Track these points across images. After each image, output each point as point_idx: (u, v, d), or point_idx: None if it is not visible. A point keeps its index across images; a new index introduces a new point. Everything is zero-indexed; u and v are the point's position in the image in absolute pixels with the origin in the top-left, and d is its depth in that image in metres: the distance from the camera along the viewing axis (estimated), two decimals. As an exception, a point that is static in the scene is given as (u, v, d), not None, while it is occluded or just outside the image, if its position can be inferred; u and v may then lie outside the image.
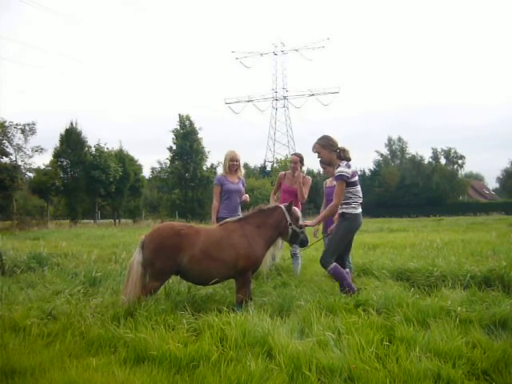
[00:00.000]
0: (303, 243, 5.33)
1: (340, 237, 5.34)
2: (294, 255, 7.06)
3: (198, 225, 6.27)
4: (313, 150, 5.57)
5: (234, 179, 6.67)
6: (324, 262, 5.26)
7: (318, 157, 5.60)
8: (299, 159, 7.23)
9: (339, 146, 5.41)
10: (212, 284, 5.13)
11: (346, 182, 5.23)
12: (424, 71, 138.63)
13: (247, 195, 6.87)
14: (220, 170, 7.00)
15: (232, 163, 6.60)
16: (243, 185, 6.84)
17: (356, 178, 5.37)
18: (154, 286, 4.82)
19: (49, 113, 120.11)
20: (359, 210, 5.38)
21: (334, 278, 5.33)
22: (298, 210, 5.33)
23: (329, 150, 5.43)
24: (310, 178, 7.25)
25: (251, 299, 4.98)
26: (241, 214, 5.25)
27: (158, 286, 4.87)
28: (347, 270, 5.77)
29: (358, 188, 5.39)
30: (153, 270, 4.82)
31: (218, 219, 6.50)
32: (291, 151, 58.21)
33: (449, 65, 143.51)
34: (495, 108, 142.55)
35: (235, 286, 5.06)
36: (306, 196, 6.97)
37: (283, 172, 7.48)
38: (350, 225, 5.35)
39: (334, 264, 5.20)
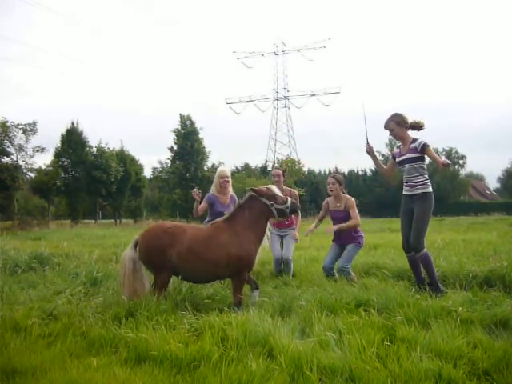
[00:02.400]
0: (293, 211, 5.37)
1: (429, 217, 5.38)
2: (285, 262, 7.03)
3: (199, 225, 6.27)
4: (385, 127, 5.65)
5: (225, 199, 6.61)
6: (418, 245, 5.26)
7: (391, 134, 5.67)
8: (282, 172, 7.16)
9: (410, 121, 5.53)
10: (206, 282, 5.21)
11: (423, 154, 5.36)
12: (425, 71, 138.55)
13: None
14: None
15: (223, 180, 6.56)
16: (235, 203, 6.67)
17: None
18: (161, 282, 4.96)
19: (49, 113, 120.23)
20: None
21: (423, 264, 5.34)
22: (271, 187, 5.32)
23: (403, 127, 5.52)
24: (296, 191, 7.18)
25: (257, 288, 5.13)
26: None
27: (164, 280, 4.98)
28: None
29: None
30: (151, 266, 5.08)
31: None
32: (292, 151, 58.22)
33: (449, 64, 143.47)
34: (495, 108, 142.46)
35: (232, 287, 5.07)
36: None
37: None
38: (431, 204, 5.43)
39: (426, 250, 5.26)
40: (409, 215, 5.50)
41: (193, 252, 4.88)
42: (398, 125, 5.53)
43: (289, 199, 5.29)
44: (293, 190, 7.28)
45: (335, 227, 6.30)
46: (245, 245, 4.97)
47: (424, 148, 5.31)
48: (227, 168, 6.81)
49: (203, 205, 6.59)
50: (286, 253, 6.96)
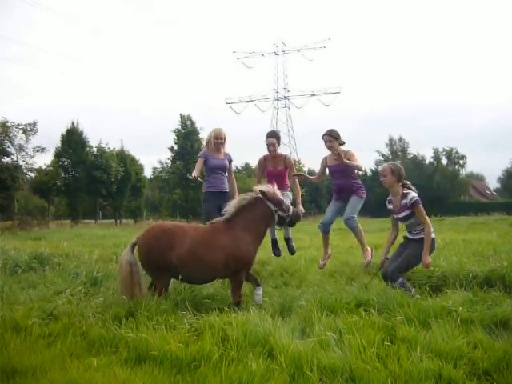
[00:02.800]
0: (292, 223, 5.34)
1: (417, 260, 5.35)
2: (286, 240, 6.99)
3: (199, 225, 6.25)
4: (381, 171, 5.64)
5: (219, 155, 6.60)
6: (393, 277, 5.24)
7: (382, 179, 5.59)
8: (276, 141, 7.00)
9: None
10: (205, 283, 5.21)
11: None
12: (425, 71, 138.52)
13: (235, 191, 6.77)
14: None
15: (217, 141, 6.52)
16: (230, 160, 6.75)
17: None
18: (161, 285, 4.91)
19: (49, 113, 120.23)
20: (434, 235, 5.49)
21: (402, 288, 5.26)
22: (277, 193, 5.23)
23: (397, 178, 5.49)
24: (291, 161, 7.13)
25: (258, 285, 5.10)
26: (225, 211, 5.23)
27: (164, 284, 4.95)
28: None
29: None
30: (151, 270, 5.04)
31: (206, 195, 6.54)
32: (292, 151, 58.23)
33: (449, 64, 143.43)
34: (495, 108, 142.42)
35: (230, 287, 5.08)
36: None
37: (262, 156, 7.18)
38: (432, 248, 5.45)
39: (402, 279, 5.25)
40: (401, 250, 5.55)
41: (194, 253, 4.85)
42: (393, 174, 5.49)
43: (291, 208, 5.26)
44: (287, 157, 7.15)
45: (347, 162, 6.07)
46: (243, 246, 4.95)
47: (414, 205, 5.31)
48: (224, 130, 6.70)
49: (199, 162, 6.57)
50: (286, 232, 6.92)
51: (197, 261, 4.85)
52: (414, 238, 5.46)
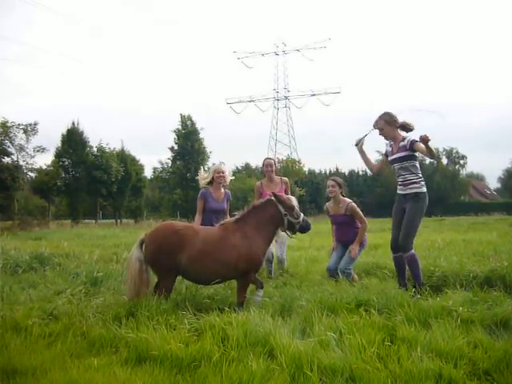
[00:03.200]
0: (303, 230, 5.29)
1: (420, 218, 5.36)
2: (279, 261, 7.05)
3: (207, 226, 6.22)
4: (374, 126, 5.59)
5: (219, 195, 6.54)
6: (405, 245, 5.23)
7: (381, 133, 5.59)
8: (273, 162, 7.20)
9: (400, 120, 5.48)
10: (213, 284, 5.12)
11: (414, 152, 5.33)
12: (425, 71, 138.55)
13: None
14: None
15: (218, 175, 6.49)
16: (228, 200, 6.69)
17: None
18: (164, 285, 4.86)
19: (49, 113, 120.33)
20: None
21: (409, 265, 5.30)
22: (292, 199, 5.27)
23: (393, 126, 5.48)
24: (287, 179, 7.24)
25: (262, 287, 5.06)
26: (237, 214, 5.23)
27: (168, 284, 4.90)
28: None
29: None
30: (157, 269, 4.95)
31: None
32: (292, 151, 58.20)
33: (449, 64, 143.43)
34: (495, 108, 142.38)
35: (236, 287, 5.06)
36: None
37: (259, 182, 7.40)
38: (424, 205, 5.39)
39: (414, 251, 5.24)
40: (400, 214, 5.48)
41: (205, 254, 4.82)
42: (387, 124, 5.50)
43: (302, 216, 5.24)
44: (283, 178, 7.29)
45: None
46: (254, 246, 4.95)
47: (412, 144, 5.28)
48: (224, 166, 6.71)
49: (199, 203, 6.53)
50: (281, 254, 6.98)
51: (209, 261, 4.82)
52: (407, 192, 5.39)
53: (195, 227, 5.24)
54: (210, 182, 6.55)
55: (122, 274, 6.54)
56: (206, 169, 6.99)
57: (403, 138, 5.43)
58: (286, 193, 6.88)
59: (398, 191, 5.57)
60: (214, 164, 6.85)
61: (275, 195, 5.21)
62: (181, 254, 4.79)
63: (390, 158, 5.63)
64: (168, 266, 4.84)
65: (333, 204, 6.56)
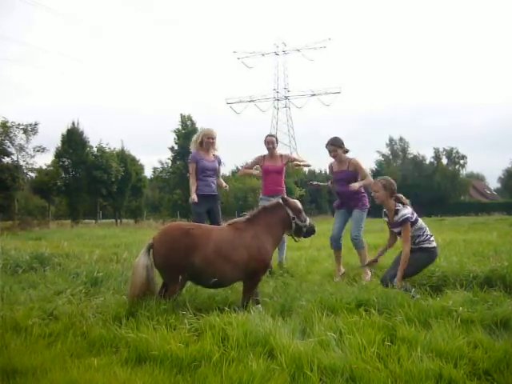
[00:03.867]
0: (309, 234, 5.30)
1: (418, 267, 5.41)
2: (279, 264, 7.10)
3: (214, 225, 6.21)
4: (372, 187, 5.63)
5: (210, 157, 6.59)
6: (392, 283, 5.20)
7: (376, 197, 5.56)
8: (275, 139, 7.25)
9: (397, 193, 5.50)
10: (224, 286, 5.10)
11: (411, 222, 5.32)
12: (425, 71, 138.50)
13: (226, 185, 6.86)
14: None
15: (208, 140, 6.51)
16: (219, 162, 6.78)
17: (415, 214, 5.44)
18: (173, 290, 4.69)
19: (49, 113, 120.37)
20: (435, 244, 5.50)
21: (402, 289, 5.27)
22: (297, 202, 5.29)
23: (389, 193, 5.46)
24: (286, 153, 7.48)
25: (258, 303, 4.90)
26: (247, 214, 5.23)
27: (177, 288, 4.73)
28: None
29: (421, 222, 5.49)
30: (168, 273, 4.76)
31: (198, 196, 6.50)
32: (293, 151, 58.14)
33: (449, 64, 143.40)
34: (495, 108, 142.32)
35: (243, 288, 5.02)
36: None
37: (261, 155, 7.40)
38: (430, 258, 5.48)
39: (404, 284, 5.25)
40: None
41: (219, 255, 4.71)
42: (384, 189, 5.48)
43: (308, 220, 5.25)
44: (283, 154, 7.44)
45: (357, 185, 6.15)
46: (264, 247, 4.92)
47: (402, 224, 5.33)
48: (214, 130, 6.75)
49: (191, 166, 6.57)
50: (280, 255, 7.03)
51: (223, 261, 4.72)
52: (413, 247, 5.43)
53: (203, 227, 5.15)
54: (201, 145, 6.56)
55: (122, 273, 6.54)
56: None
57: (396, 211, 5.43)
58: (287, 165, 7.17)
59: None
60: (202, 129, 6.90)
61: (283, 199, 5.22)
62: (194, 255, 4.64)
63: (390, 228, 5.69)
64: (180, 269, 4.64)
65: (337, 162, 6.53)
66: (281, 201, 5.19)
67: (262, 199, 6.99)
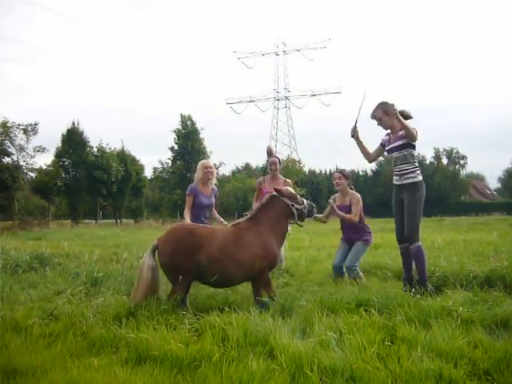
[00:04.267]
0: (310, 213, 5.35)
1: (420, 208, 5.30)
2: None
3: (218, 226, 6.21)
4: (372, 117, 5.55)
5: (207, 191, 6.62)
6: (411, 237, 5.21)
7: (379, 124, 5.55)
8: (278, 160, 7.24)
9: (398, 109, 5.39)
10: (232, 286, 5.09)
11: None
12: (425, 71, 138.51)
13: (222, 219, 6.75)
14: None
15: (207, 170, 6.56)
16: (216, 196, 6.80)
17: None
18: (180, 290, 4.70)
19: (49, 113, 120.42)
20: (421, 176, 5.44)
21: (415, 258, 5.26)
22: (290, 189, 5.39)
23: (391, 115, 5.39)
24: (289, 181, 7.21)
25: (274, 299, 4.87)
26: (248, 213, 5.24)
27: (183, 288, 4.75)
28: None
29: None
30: (174, 273, 4.75)
31: None
32: (293, 151, 58.23)
33: (449, 64, 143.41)
34: (495, 108, 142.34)
35: (253, 288, 5.01)
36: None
37: (261, 177, 7.47)
38: (422, 194, 5.33)
39: (420, 244, 5.21)
40: (400, 205, 5.47)
41: (225, 253, 4.72)
42: (385, 114, 5.44)
43: (304, 200, 5.29)
44: (287, 180, 7.30)
45: (339, 213, 6.26)
46: (268, 244, 4.92)
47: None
48: (211, 160, 6.86)
49: (189, 199, 6.61)
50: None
51: (227, 261, 4.72)
52: (404, 182, 5.37)
53: (208, 227, 5.18)
54: (202, 179, 6.63)
55: (122, 274, 6.54)
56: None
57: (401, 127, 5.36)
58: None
59: (394, 181, 5.56)
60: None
61: (276, 189, 5.25)
62: (199, 253, 4.65)
63: (387, 148, 5.58)
64: (186, 269, 4.67)
65: (340, 195, 6.53)
66: (274, 192, 5.22)
67: None
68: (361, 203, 6.33)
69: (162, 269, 4.82)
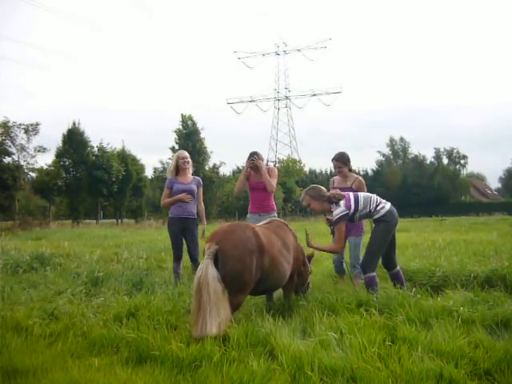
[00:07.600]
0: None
1: (379, 242, 5.08)
2: None
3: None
4: (302, 202, 5.36)
5: (187, 179, 6.53)
6: (366, 268, 5.06)
7: (309, 209, 5.38)
8: (259, 153, 7.06)
9: (327, 193, 5.20)
10: (273, 291, 4.88)
11: (350, 214, 5.07)
12: (426, 71, 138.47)
13: (204, 223, 6.63)
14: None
15: (183, 160, 6.51)
16: (199, 185, 6.61)
17: (352, 199, 5.12)
18: (240, 301, 4.11)
19: (50, 113, 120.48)
20: (388, 205, 5.13)
21: (366, 285, 5.09)
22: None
23: (320, 200, 5.17)
24: (275, 168, 6.90)
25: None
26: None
27: (244, 299, 4.21)
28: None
29: (364, 196, 5.20)
30: (240, 282, 3.97)
31: (171, 220, 6.44)
32: (293, 151, 58.24)
33: (450, 65, 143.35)
34: (496, 108, 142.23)
35: (284, 293, 4.95)
36: (274, 185, 6.36)
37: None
38: (387, 224, 5.08)
39: (374, 274, 5.06)
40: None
41: (281, 254, 4.43)
42: (313, 199, 5.19)
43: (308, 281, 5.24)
44: (272, 167, 6.93)
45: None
46: (299, 246, 4.94)
47: (336, 224, 5.08)
48: (186, 152, 6.79)
49: (165, 190, 6.56)
50: None
51: (286, 262, 4.47)
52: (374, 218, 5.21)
53: (259, 226, 4.62)
54: (177, 172, 6.57)
55: (122, 273, 6.54)
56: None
57: (331, 213, 5.15)
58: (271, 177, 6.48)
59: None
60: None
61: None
62: (265, 256, 4.15)
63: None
64: (255, 275, 4.05)
65: (340, 178, 6.34)
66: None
67: (248, 218, 6.40)
68: (365, 188, 6.19)
69: (227, 278, 3.91)
